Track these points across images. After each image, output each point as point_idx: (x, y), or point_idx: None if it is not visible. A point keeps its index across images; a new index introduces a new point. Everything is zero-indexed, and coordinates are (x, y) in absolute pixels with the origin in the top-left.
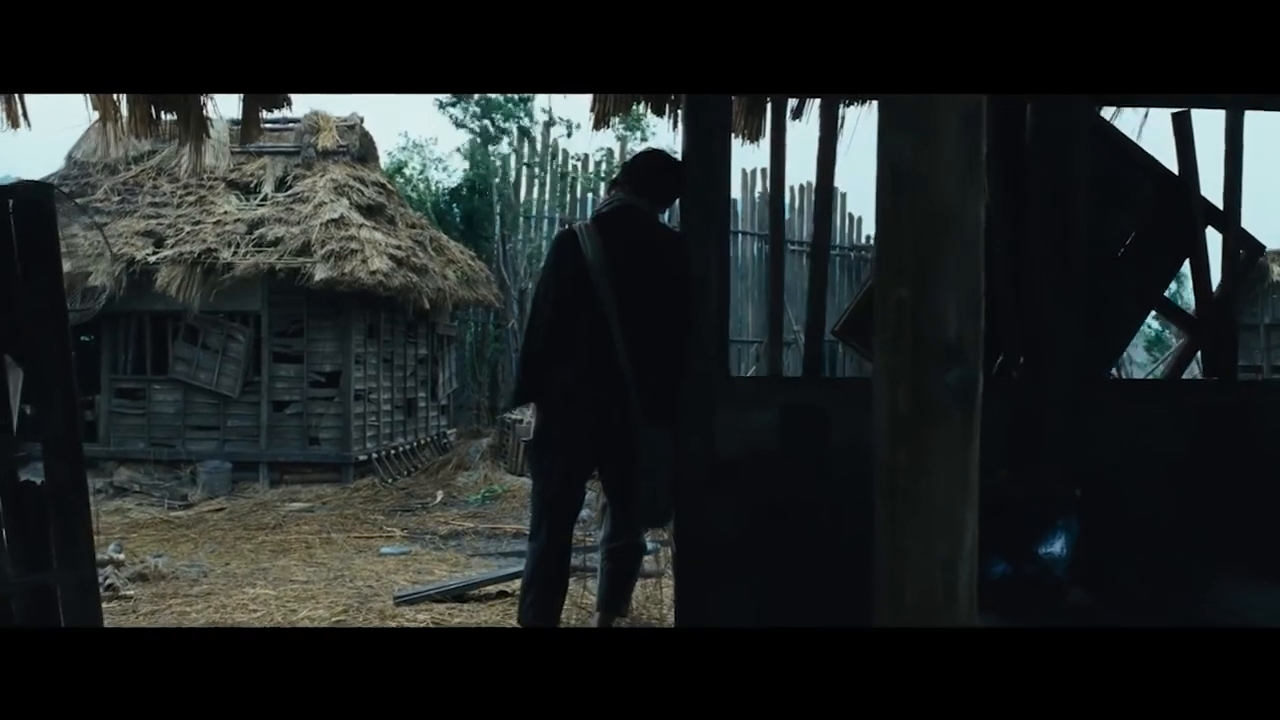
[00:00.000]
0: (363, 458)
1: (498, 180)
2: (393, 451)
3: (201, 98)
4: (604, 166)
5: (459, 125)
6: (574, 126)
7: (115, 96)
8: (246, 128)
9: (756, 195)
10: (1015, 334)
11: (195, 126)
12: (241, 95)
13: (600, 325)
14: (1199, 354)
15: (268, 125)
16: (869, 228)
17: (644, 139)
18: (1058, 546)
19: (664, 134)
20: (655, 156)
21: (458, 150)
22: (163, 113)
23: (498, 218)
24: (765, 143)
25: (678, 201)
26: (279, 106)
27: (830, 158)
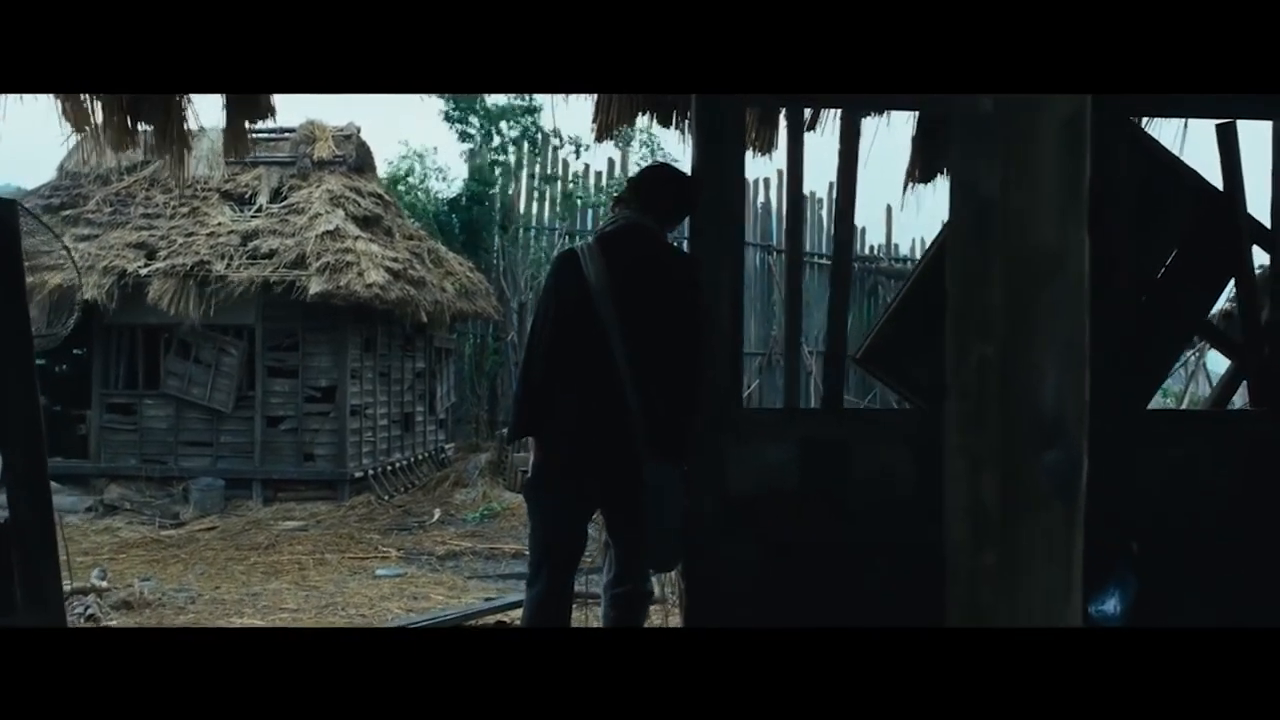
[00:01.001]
0: (359, 474)
1: (495, 190)
2: (389, 467)
3: (182, 107)
4: (604, 178)
5: (463, 138)
6: (582, 147)
7: (89, 105)
8: (232, 139)
9: (759, 205)
10: None
11: (176, 137)
12: (225, 105)
13: (604, 353)
14: (1245, 382)
15: (262, 135)
16: (873, 237)
17: (652, 153)
18: (1110, 605)
19: (671, 146)
20: (662, 171)
21: (460, 156)
22: (139, 123)
23: (497, 229)
24: (774, 154)
25: (687, 220)
26: (264, 116)
27: (851, 172)
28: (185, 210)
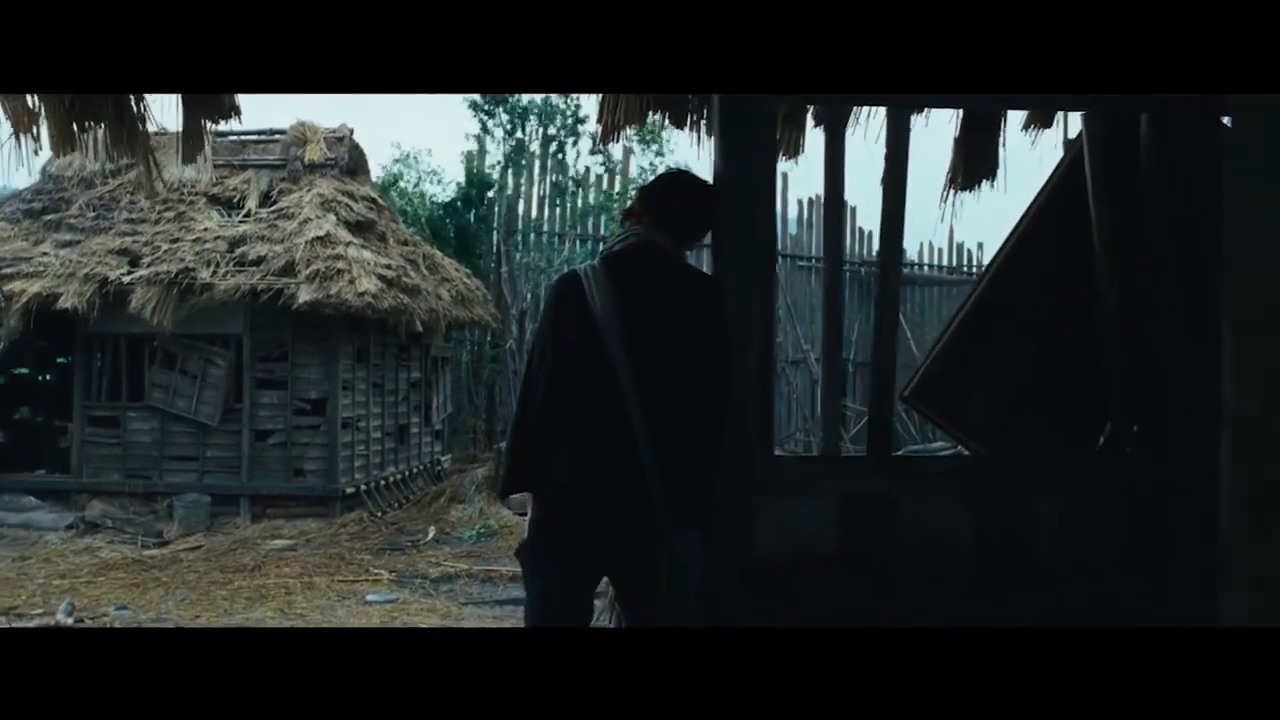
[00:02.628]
0: (350, 490)
1: (493, 194)
2: (383, 482)
3: (136, 107)
4: (604, 182)
5: (485, 130)
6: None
7: (33, 105)
8: (189, 141)
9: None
10: (1128, 399)
11: (136, 140)
12: (181, 104)
13: (612, 395)
14: None
15: (251, 137)
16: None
17: (660, 154)
18: None
19: (684, 149)
20: (679, 179)
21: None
22: (89, 123)
23: (495, 232)
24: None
25: (708, 236)
26: (226, 116)
27: (900, 172)
28: (171, 215)
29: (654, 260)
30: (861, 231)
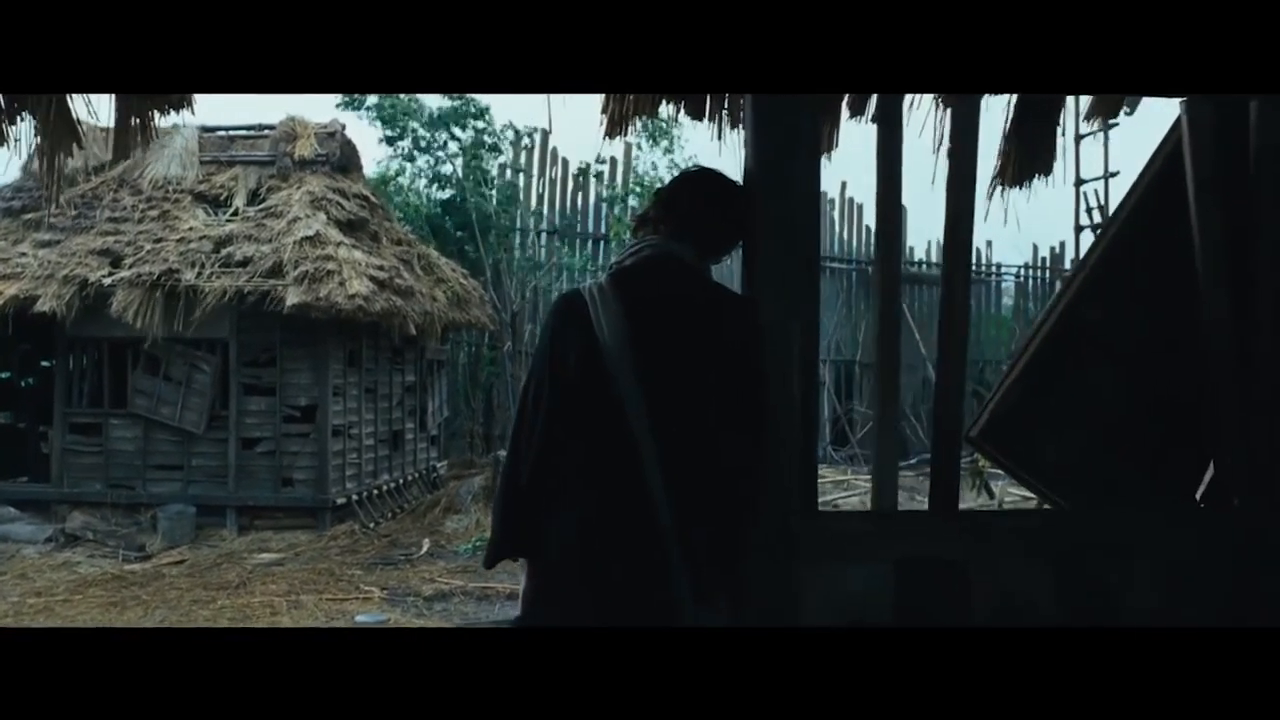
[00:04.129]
0: (341, 501)
1: (493, 190)
2: (376, 491)
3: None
4: (605, 177)
5: (390, 142)
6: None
7: None
8: (121, 137)
9: None
10: (1237, 440)
11: (57, 129)
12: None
13: (623, 444)
14: None
15: (239, 133)
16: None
17: (669, 149)
18: None
19: (697, 143)
20: (705, 179)
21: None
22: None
23: (492, 230)
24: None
25: (740, 247)
26: (177, 107)
27: (969, 168)
28: (155, 214)
29: (674, 277)
30: (868, 230)
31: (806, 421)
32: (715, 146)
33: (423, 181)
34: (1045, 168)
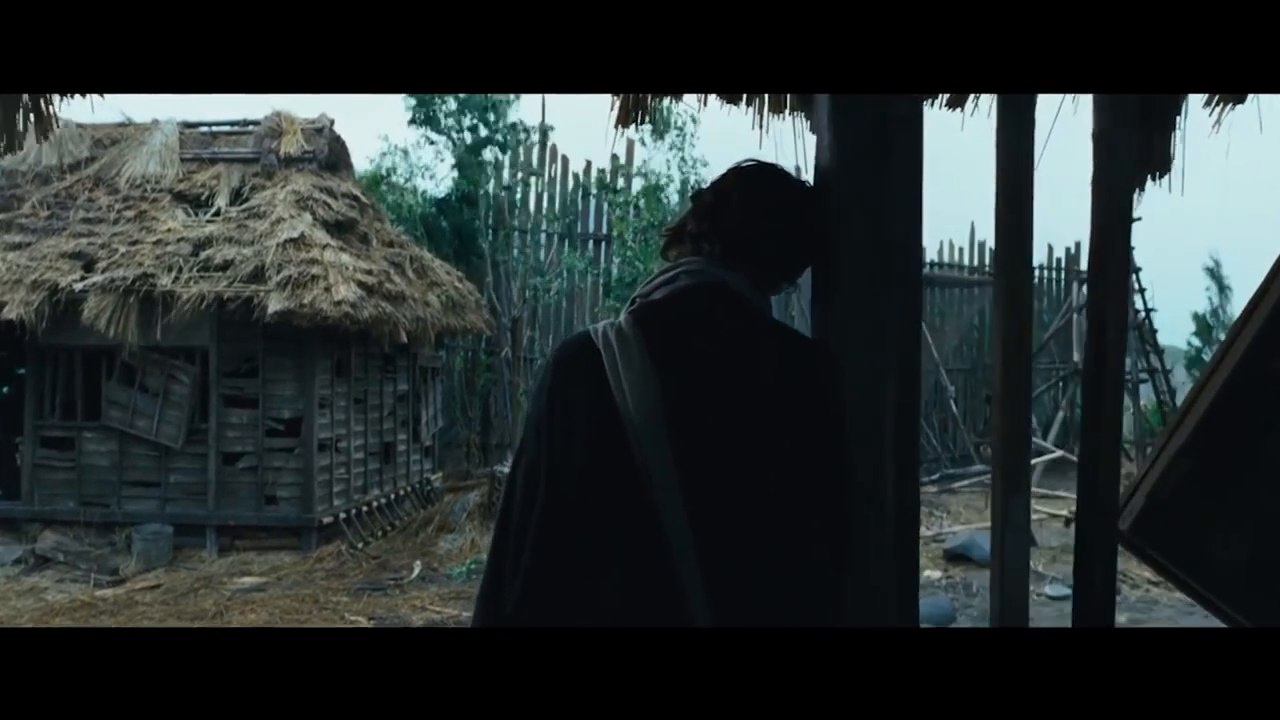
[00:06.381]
0: (328, 519)
1: (484, 191)
2: (365, 508)
3: None
4: (608, 176)
5: (441, 131)
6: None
7: None
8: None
9: None
10: None
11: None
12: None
13: (652, 542)
14: None
15: (222, 129)
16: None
17: (680, 143)
18: None
19: (718, 134)
20: (766, 178)
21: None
22: None
23: (489, 231)
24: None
25: (808, 273)
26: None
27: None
28: (131, 214)
29: (722, 317)
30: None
31: (906, 509)
32: (754, 137)
33: (419, 179)
34: (1163, 166)
